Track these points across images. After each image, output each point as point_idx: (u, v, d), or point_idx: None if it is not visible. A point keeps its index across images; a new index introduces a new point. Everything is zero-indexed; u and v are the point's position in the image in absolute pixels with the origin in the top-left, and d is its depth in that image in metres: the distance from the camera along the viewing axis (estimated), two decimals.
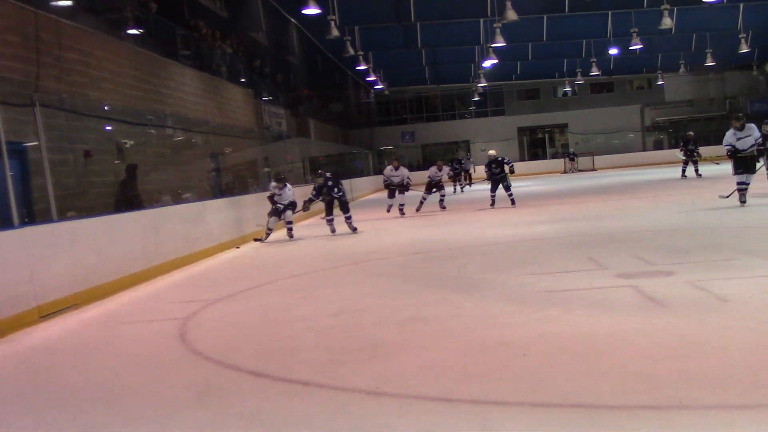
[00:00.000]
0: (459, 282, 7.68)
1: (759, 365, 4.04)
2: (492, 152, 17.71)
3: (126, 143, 14.36)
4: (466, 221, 14.83)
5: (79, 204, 11.64)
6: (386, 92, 39.40)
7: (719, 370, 4.03)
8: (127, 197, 12.71)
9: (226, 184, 18.19)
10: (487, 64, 28.64)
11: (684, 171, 22.65)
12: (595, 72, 33.76)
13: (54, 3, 12.91)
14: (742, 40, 29.41)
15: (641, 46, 26.57)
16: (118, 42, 15.07)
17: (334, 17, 19.25)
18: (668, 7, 21.50)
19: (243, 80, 23.99)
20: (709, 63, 33.90)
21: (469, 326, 5.55)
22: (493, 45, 23.36)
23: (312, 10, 17.13)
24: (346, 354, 5.01)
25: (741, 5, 27.21)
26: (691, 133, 23.98)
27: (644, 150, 43.63)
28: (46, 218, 9.07)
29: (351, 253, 11.05)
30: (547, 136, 45.76)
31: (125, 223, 9.91)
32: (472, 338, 5.16)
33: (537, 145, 46.22)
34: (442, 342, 5.13)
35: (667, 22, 21.58)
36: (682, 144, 23.44)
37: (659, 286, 6.33)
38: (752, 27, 29.35)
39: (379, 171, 32.49)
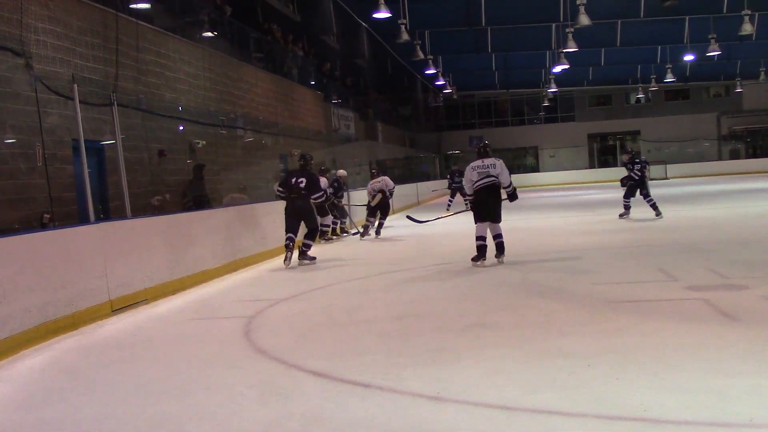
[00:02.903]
0: (523, 289, 7.61)
1: None
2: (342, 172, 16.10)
3: (198, 143, 14.68)
4: (533, 228, 14.66)
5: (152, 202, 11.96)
6: (455, 96, 39.31)
7: None
8: (195, 197, 13.00)
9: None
10: (558, 69, 28.29)
11: None
12: (670, 78, 32.99)
13: (133, 6, 13.29)
14: None
15: (719, 53, 25.84)
16: (193, 44, 15.42)
17: (404, 21, 19.29)
18: (749, 12, 20.85)
19: (313, 83, 24.26)
20: None
21: (533, 335, 5.49)
22: (564, 50, 23.07)
23: (383, 14, 17.24)
24: (408, 357, 5.01)
25: None
26: None
27: (720, 159, 42.44)
28: (120, 215, 9.34)
29: (415, 257, 11.05)
30: (618, 143, 44.90)
31: (196, 222, 10.14)
32: (536, 347, 5.11)
33: (608, 152, 45.41)
34: (505, 349, 5.09)
35: (747, 28, 20.95)
36: None
37: (732, 300, 6.16)
38: None
39: (445, 175, 32.45)
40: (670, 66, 32.12)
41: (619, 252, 10.21)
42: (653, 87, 38.83)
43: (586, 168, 43.02)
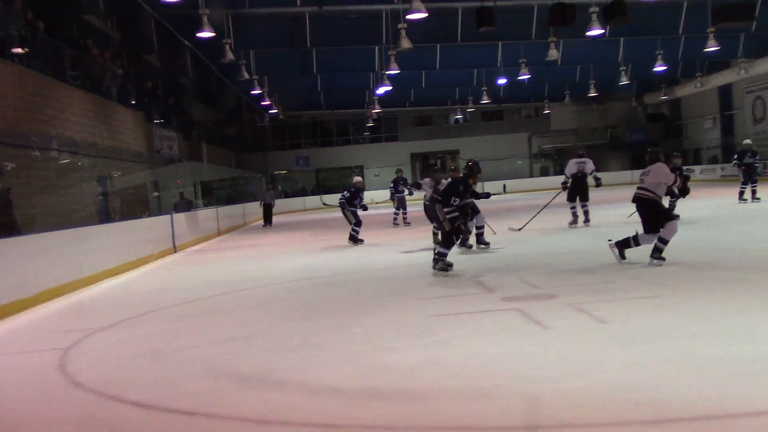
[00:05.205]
0: (350, 307, 7.71)
1: (635, 384, 4.24)
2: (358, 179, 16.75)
3: (7, 166, 13.76)
4: (360, 246, 14.89)
5: None
6: (281, 117, 39.20)
7: (598, 389, 4.20)
8: (1, 223, 12.15)
9: (113, 208, 17.68)
10: (381, 90, 28.96)
11: (743, 193, 18.24)
12: (485, 100, 34.73)
13: None
14: (622, 73, 31.13)
15: (529, 77, 27.56)
16: (1, 61, 14.47)
17: (229, 41, 19.06)
18: (555, 39, 22.41)
19: (134, 102, 23.45)
20: (592, 94, 35.53)
21: (359, 352, 5.58)
22: (387, 72, 23.70)
23: (206, 34, 16.89)
24: (234, 382, 4.94)
25: (621, 40, 28.66)
26: (749, 141, 19.86)
27: (531, 176, 45.07)
28: None
29: (240, 279, 10.89)
30: (439, 161, 46.62)
31: (2, 250, 9.46)
32: (362, 363, 5.19)
33: (429, 171, 47.10)
34: (332, 368, 5.13)
35: (553, 54, 22.47)
36: (736, 158, 18.67)
37: (543, 309, 6.55)
38: (631, 60, 30.95)
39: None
40: (486, 88, 33.79)
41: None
42: (470, 108, 40.73)
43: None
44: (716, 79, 35.31)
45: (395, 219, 19.98)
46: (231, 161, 38.86)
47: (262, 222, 26.11)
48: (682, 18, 24.19)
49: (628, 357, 4.83)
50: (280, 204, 33.25)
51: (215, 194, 29.58)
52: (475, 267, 9.98)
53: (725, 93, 37.99)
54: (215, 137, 35.92)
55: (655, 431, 3.59)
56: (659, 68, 28.02)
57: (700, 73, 34.88)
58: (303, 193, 43.74)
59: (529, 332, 5.79)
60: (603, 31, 19.57)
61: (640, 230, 8.97)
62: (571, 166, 14.89)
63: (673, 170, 16.17)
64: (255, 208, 27.47)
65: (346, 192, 15.73)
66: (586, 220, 14.74)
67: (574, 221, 14.70)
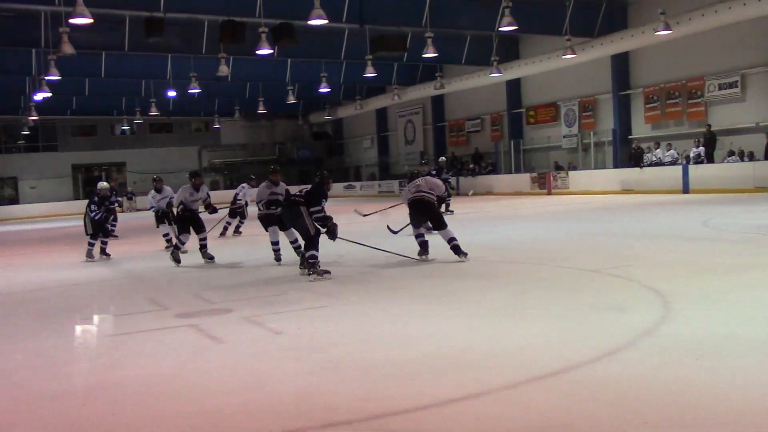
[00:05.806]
0: (8, 332, 7.08)
1: (308, 391, 4.46)
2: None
3: None
4: (9, 266, 13.73)
5: None
6: None
7: (274, 398, 4.36)
8: None
9: None
10: (39, 96, 26.95)
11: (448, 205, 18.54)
12: (154, 112, 33.96)
13: None
14: (290, 92, 32.46)
15: (199, 90, 27.55)
16: None
17: None
18: (225, 55, 22.69)
19: None
20: (261, 111, 36.50)
21: (22, 378, 5.17)
22: (46, 77, 22.14)
23: None
24: None
25: (289, 60, 29.86)
26: (444, 158, 22.22)
27: (212, 190, 44.94)
28: None
29: None
30: (104, 174, 44.48)
31: None
32: (27, 392, 4.81)
33: (93, 184, 44.58)
34: None
35: (223, 70, 22.72)
36: (435, 173, 18.30)
37: (218, 324, 6.61)
38: (298, 81, 32.47)
39: None
40: (155, 100, 33.12)
41: (110, 285, 10.16)
42: (138, 119, 39.57)
43: (70, 199, 41.62)
44: (374, 103, 38.33)
45: None
46: None
47: None
48: (344, 45, 25.91)
49: (301, 365, 5.08)
50: None
51: None
52: (147, 284, 9.75)
53: (381, 116, 41.35)
54: None
55: None
56: (323, 90, 29.69)
57: (359, 96, 37.55)
58: None
59: (204, 347, 5.82)
60: (272, 51, 20.23)
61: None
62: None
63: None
64: None
65: (92, 204, 13.11)
66: (221, 234, 17.07)
67: (223, 234, 17.15)
